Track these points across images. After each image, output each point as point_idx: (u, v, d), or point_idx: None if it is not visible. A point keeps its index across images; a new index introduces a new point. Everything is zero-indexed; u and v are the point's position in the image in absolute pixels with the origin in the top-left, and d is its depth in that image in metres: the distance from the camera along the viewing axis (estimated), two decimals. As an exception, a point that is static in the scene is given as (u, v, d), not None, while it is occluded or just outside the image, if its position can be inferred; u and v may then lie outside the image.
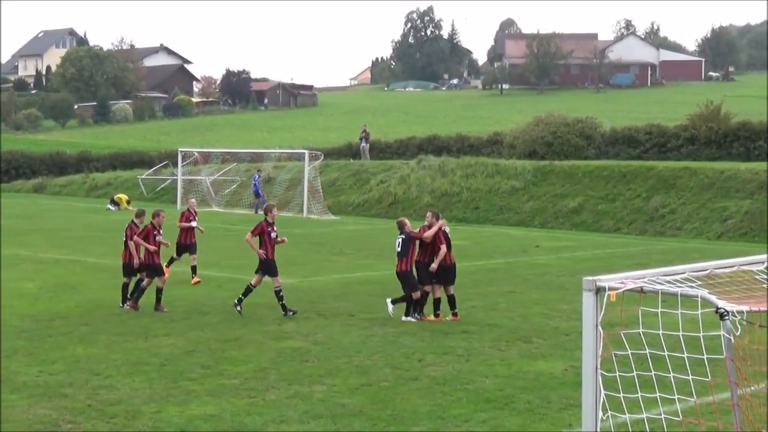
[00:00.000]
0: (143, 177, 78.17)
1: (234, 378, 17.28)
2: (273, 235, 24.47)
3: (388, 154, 76.76)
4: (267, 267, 24.03)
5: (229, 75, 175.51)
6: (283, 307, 23.78)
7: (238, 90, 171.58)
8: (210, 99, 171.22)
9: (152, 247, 24.67)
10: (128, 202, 67.04)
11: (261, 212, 62.08)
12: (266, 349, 19.75)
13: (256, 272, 24.24)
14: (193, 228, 30.29)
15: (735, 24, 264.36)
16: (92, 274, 31.26)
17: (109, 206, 64.31)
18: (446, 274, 23.31)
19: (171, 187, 73.58)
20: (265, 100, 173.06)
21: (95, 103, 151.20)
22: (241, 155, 74.85)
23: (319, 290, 28.24)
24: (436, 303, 23.38)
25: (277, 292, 23.90)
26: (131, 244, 25.00)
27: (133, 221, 25.52)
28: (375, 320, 23.17)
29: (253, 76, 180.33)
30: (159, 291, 24.58)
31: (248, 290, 24.08)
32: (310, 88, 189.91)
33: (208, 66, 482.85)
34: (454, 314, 23.37)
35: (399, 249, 23.35)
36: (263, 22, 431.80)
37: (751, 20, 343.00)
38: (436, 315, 23.36)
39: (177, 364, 18.31)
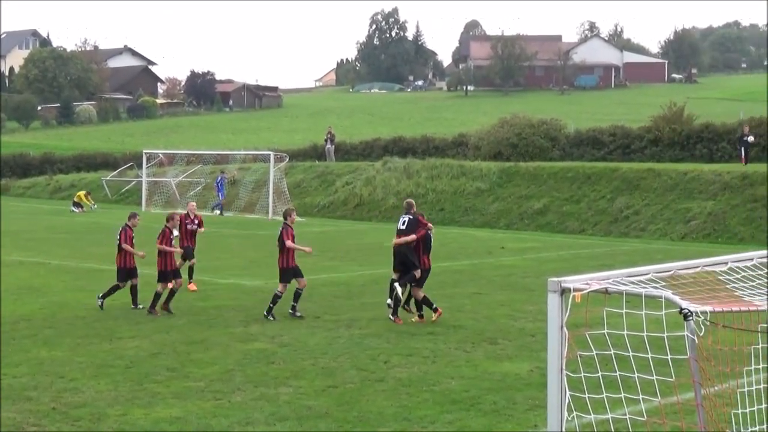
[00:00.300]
0: (107, 179, 77.89)
1: (200, 380, 17.22)
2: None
3: (353, 156, 76.80)
4: (186, 252, 24.45)
5: (193, 76, 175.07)
6: (293, 308, 23.86)
7: (202, 91, 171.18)
8: (175, 100, 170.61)
9: (177, 250, 24.70)
10: (87, 195, 66.91)
11: (218, 212, 62.19)
12: (232, 351, 19.70)
13: (281, 280, 24.14)
14: (194, 231, 29.10)
15: (698, 26, 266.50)
16: (56, 277, 31.11)
17: (73, 208, 64.00)
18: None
19: (135, 189, 73.35)
20: (230, 102, 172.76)
21: (59, 105, 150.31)
22: (206, 157, 74.64)
23: (286, 293, 28.15)
24: (419, 304, 23.48)
25: (298, 293, 23.97)
26: (126, 247, 24.99)
27: (126, 225, 25.58)
28: (341, 322, 23.16)
29: (217, 77, 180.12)
30: (172, 292, 24.54)
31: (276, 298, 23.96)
32: (275, 89, 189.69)
33: (172, 67, 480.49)
34: (420, 316, 23.45)
35: (403, 227, 23.43)
36: (228, 23, 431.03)
37: (713, 22, 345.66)
38: (420, 316, 23.43)
39: (142, 367, 18.23)
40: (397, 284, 23.08)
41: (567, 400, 9.03)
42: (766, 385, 10.83)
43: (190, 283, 28.14)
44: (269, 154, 64.14)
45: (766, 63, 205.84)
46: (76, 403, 15.62)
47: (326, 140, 75.41)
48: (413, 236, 23.28)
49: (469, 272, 33.09)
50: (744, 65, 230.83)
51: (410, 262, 23.25)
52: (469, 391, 16.56)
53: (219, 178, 64.44)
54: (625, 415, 10.59)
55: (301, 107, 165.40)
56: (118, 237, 25.40)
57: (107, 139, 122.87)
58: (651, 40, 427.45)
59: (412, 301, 23.59)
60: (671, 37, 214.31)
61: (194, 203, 32.01)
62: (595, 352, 9.88)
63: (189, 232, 28.57)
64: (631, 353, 9.99)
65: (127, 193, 75.13)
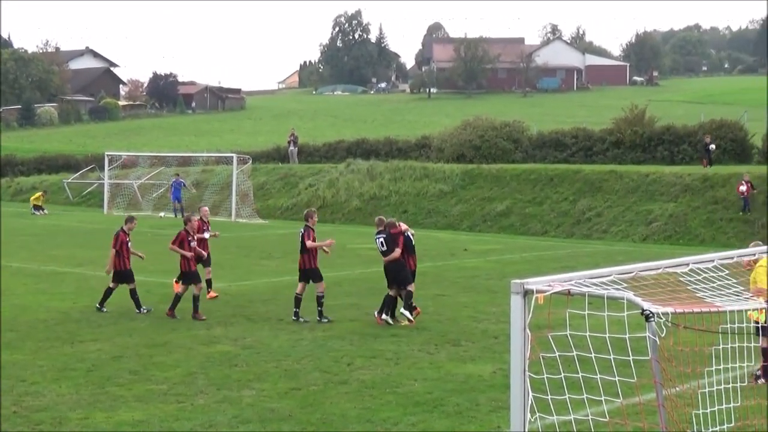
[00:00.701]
0: (69, 181, 77.35)
1: (162, 383, 17.16)
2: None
3: (316, 158, 76.66)
4: (312, 273, 24.05)
5: (156, 78, 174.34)
6: (320, 313, 23.73)
7: (165, 93, 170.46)
8: (137, 102, 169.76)
9: (188, 254, 24.37)
10: (44, 194, 66.56)
11: (179, 216, 61.84)
12: (195, 354, 19.63)
13: (300, 280, 24.14)
14: (206, 239, 27.73)
15: (659, 29, 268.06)
16: (17, 280, 30.86)
17: (34, 211, 63.52)
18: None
19: (97, 191, 72.90)
20: (193, 104, 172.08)
21: (20, 107, 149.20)
22: (168, 159, 74.33)
23: (248, 294, 28.14)
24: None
25: (319, 298, 23.83)
26: (112, 252, 24.90)
27: (122, 228, 25.37)
28: (304, 324, 23.14)
29: (180, 79, 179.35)
30: (196, 299, 24.19)
31: (298, 300, 23.96)
32: (238, 91, 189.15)
33: (134, 69, 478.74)
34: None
35: (384, 248, 23.41)
36: (191, 24, 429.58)
37: (674, 26, 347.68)
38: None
39: (104, 370, 18.14)
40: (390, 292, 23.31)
41: (530, 402, 9.05)
42: (726, 386, 10.90)
43: (209, 292, 27.22)
44: (232, 157, 63.97)
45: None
46: (37, 406, 15.52)
47: (289, 142, 75.19)
48: (398, 251, 23.27)
49: (432, 274, 33.10)
50: (704, 68, 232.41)
51: (403, 277, 23.30)
52: (433, 392, 16.57)
53: (174, 181, 64.06)
54: (588, 416, 10.63)
55: (264, 109, 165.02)
56: (114, 240, 25.20)
57: (69, 141, 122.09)
58: (613, 43, 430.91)
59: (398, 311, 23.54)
60: (633, 40, 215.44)
61: (207, 208, 30.74)
62: (557, 354, 9.90)
63: (201, 239, 27.26)
64: (593, 354, 10.03)
65: (89, 195, 74.66)
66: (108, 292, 25.14)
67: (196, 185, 67.80)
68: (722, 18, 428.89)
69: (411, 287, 23.31)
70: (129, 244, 25.20)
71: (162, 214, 62.92)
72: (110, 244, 25.47)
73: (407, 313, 23.10)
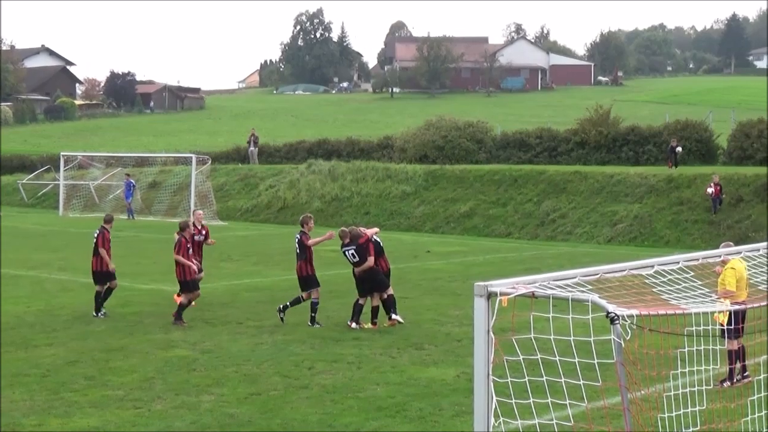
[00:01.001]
0: (24, 182, 76.86)
1: (118, 389, 17.05)
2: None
3: (277, 159, 76.49)
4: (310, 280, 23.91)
5: (113, 77, 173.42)
6: (312, 318, 23.58)
7: (122, 92, 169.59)
8: (94, 101, 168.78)
9: (193, 265, 24.13)
10: None
11: (133, 218, 61.61)
12: (152, 359, 19.53)
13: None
14: (200, 243, 26.91)
15: (623, 29, 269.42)
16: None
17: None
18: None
19: (53, 193, 72.47)
20: (151, 103, 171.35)
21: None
22: (126, 159, 73.95)
23: (207, 297, 27.99)
24: (375, 310, 23.51)
25: (314, 304, 23.68)
26: (102, 252, 24.67)
27: (103, 227, 25.18)
28: (264, 328, 23.06)
29: (138, 78, 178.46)
30: (183, 305, 24.01)
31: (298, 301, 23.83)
32: (197, 91, 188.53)
33: (91, 68, 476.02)
34: (374, 323, 23.51)
35: (356, 259, 23.25)
36: (149, 23, 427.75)
37: (639, 25, 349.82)
38: (373, 323, 23.39)
39: (59, 375, 18.00)
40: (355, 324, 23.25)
41: (494, 406, 9.04)
42: (692, 389, 10.94)
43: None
44: (191, 157, 63.74)
45: None
46: (-11, 413, 15.38)
47: (249, 142, 75.03)
48: (371, 260, 23.22)
49: (394, 276, 32.91)
50: (669, 68, 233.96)
51: (379, 281, 23.31)
52: (395, 397, 16.55)
53: (126, 180, 63.77)
54: (552, 420, 10.65)
55: (224, 109, 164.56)
56: (95, 240, 24.97)
57: (23, 141, 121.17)
58: (577, 42, 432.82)
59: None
60: (597, 40, 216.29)
61: (201, 212, 29.66)
62: (521, 357, 9.90)
63: (196, 244, 26.33)
64: (558, 358, 10.03)
65: (44, 196, 74.21)
66: (97, 296, 24.89)
67: (153, 186, 67.55)
68: (687, 18, 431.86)
69: (390, 290, 23.34)
70: (110, 243, 24.93)
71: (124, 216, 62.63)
72: (92, 245, 25.13)
73: (399, 317, 23.18)
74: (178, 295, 24.59)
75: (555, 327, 9.46)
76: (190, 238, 24.77)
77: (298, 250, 23.71)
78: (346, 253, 23.45)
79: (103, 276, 24.96)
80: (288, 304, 23.73)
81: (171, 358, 19.63)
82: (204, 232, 27.17)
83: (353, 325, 23.16)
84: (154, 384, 17.41)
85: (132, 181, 63.78)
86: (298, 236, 23.81)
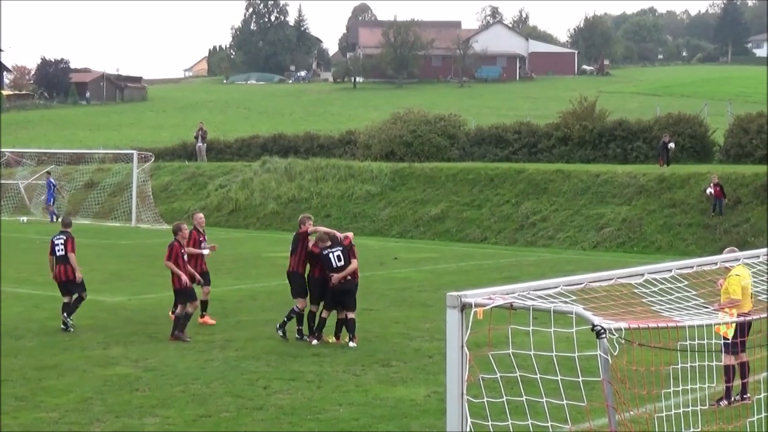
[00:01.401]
0: (-56, 181, 76.38)
1: (53, 410, 17.01)
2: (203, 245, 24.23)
3: (227, 155, 76.41)
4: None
5: (45, 64, 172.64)
6: (284, 324, 23.55)
7: (55, 82, 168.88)
8: (23, 92, 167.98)
9: (183, 275, 23.66)
10: None
11: (57, 220, 61.28)
12: (90, 377, 19.48)
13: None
14: (204, 255, 26.05)
15: (610, 13, 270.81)
16: None
17: None
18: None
19: (-22, 193, 72.08)
20: (87, 94, 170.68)
21: None
22: (60, 156, 73.65)
23: (151, 309, 27.96)
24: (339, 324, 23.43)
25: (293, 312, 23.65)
26: (72, 257, 24.39)
27: (68, 232, 24.93)
28: (214, 343, 23.04)
29: (72, 65, 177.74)
30: (186, 317, 23.74)
31: (300, 317, 23.61)
32: (138, 80, 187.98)
33: (20, 54, 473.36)
34: (337, 337, 23.48)
35: (341, 263, 22.99)
36: (85, 4, 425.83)
37: (627, 9, 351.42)
38: (337, 337, 23.37)
39: (-14, 396, 17.94)
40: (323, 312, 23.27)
41: (468, 429, 9.10)
42: (686, 409, 11.04)
43: (203, 316, 25.70)
44: (132, 153, 63.59)
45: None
46: None
47: (197, 137, 74.91)
48: (355, 263, 23.27)
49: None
50: (661, 56, 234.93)
51: (354, 301, 23.27)
52: (359, 419, 16.59)
53: (47, 180, 63.53)
54: (533, 444, 10.71)
55: (169, 100, 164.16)
56: (63, 246, 24.67)
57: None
58: (559, 28, 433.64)
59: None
60: (581, 25, 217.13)
61: (202, 215, 28.14)
62: (499, 375, 9.96)
63: (198, 254, 25.56)
64: (538, 375, 10.10)
65: (-31, 197, 73.78)
66: (65, 308, 24.55)
67: (90, 186, 67.30)
68: (680, 1, 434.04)
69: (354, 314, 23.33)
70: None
71: (23, 218, 62.38)
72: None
73: (354, 343, 22.94)
74: (173, 312, 24.38)
75: (535, 341, 9.53)
76: (187, 243, 24.43)
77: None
78: (331, 255, 23.02)
79: (71, 285, 24.79)
80: (298, 327, 23.58)
81: (111, 376, 19.58)
82: (202, 239, 26.06)
83: (314, 341, 23.15)
84: (93, 405, 17.38)
85: (53, 180, 63.52)
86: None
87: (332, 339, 23.30)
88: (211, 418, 16.66)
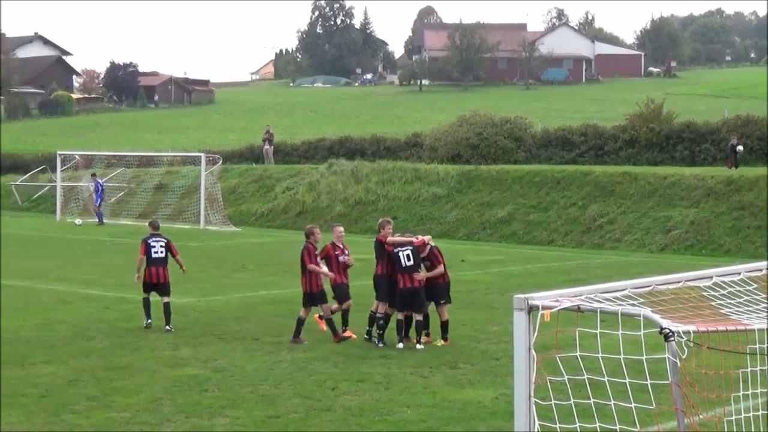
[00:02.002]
0: (17, 183, 77.31)
1: (124, 410, 17.17)
2: (342, 258, 24.02)
3: (294, 158, 76.70)
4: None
5: (114, 68, 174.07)
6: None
7: (124, 85, 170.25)
8: (92, 95, 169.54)
9: (330, 274, 23.81)
10: None
11: (104, 222, 61.70)
12: (160, 378, 19.63)
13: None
14: (346, 265, 24.53)
15: (677, 15, 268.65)
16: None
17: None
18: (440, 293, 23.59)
19: (49, 195, 72.91)
20: (155, 97, 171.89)
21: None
22: (128, 159, 74.26)
23: (219, 311, 28.14)
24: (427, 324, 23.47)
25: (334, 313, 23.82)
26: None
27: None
28: (282, 344, 23.14)
29: (141, 69, 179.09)
30: (345, 313, 24.08)
31: (372, 319, 23.61)
32: (206, 83, 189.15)
33: (90, 58, 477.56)
34: (427, 334, 23.52)
35: (411, 263, 23.01)
36: (153, 8, 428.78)
37: (694, 10, 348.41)
38: (427, 334, 23.41)
39: (58, 396, 18.13)
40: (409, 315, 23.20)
41: (536, 431, 9.11)
42: (756, 413, 10.97)
43: (345, 330, 24.40)
44: (200, 156, 63.98)
45: None
46: (-16, 437, 15.55)
47: (264, 140, 75.28)
48: (441, 267, 23.51)
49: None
50: (728, 58, 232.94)
51: (423, 301, 23.23)
52: (427, 421, 16.62)
53: (94, 182, 64.02)
54: (600, 446, 10.70)
55: (236, 103, 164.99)
56: (301, 257, 24.16)
57: (16, 139, 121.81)
58: (626, 29, 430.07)
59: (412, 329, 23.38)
60: (648, 27, 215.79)
61: (342, 228, 26.13)
62: (566, 377, 9.96)
63: (342, 266, 24.39)
64: (606, 378, 10.08)
65: (40, 199, 74.64)
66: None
67: (159, 188, 67.83)
68: (747, 2, 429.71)
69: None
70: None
71: (78, 221, 62.94)
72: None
73: (422, 346, 22.93)
74: (320, 317, 24.27)
75: (603, 344, 9.53)
76: (330, 259, 24.14)
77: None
78: (401, 254, 23.03)
79: (164, 288, 25.30)
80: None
81: (180, 377, 19.74)
82: (347, 252, 24.68)
83: (400, 345, 22.95)
84: (163, 405, 17.53)
85: (100, 181, 64.06)
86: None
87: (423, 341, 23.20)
88: (280, 419, 16.74)
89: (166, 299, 25.13)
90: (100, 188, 63.46)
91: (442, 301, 23.53)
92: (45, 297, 30.04)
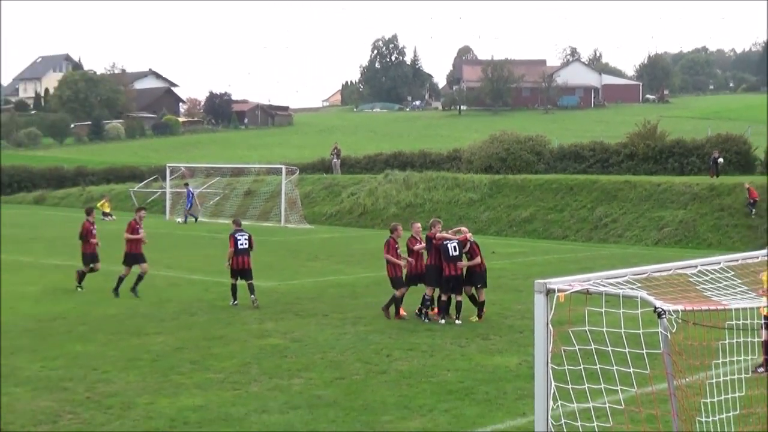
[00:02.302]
0: (135, 190, 77.94)
1: (219, 372, 17.26)
2: (416, 247, 23.95)
3: (357, 169, 76.73)
4: (414, 278, 23.79)
5: (212, 97, 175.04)
6: (424, 312, 23.37)
7: (220, 111, 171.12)
8: (195, 119, 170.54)
9: (401, 261, 23.77)
10: (108, 200, 67.01)
11: (187, 222, 61.66)
12: (249, 346, 19.72)
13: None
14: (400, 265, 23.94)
15: (669, 51, 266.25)
16: (88, 278, 31.03)
17: (103, 217, 63.98)
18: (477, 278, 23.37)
19: (160, 199, 73.37)
20: (245, 120, 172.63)
21: (90, 123, 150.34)
22: (223, 170, 74.71)
23: (296, 292, 28.23)
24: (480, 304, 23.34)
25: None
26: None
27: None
28: (347, 319, 23.18)
29: (234, 98, 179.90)
30: (399, 300, 23.72)
31: (395, 300, 23.55)
32: (286, 109, 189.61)
33: (193, 89, 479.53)
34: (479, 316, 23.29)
35: (456, 253, 22.86)
36: (244, 48, 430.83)
37: (683, 48, 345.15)
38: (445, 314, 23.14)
39: (168, 360, 18.26)
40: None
41: (552, 391, 9.08)
42: (732, 377, 10.88)
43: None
44: (281, 168, 64.18)
45: None
46: (107, 393, 15.67)
47: (333, 155, 75.43)
48: (478, 258, 23.24)
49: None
50: (711, 87, 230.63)
51: (460, 284, 23.01)
52: (464, 382, 16.59)
53: (187, 189, 64.36)
54: (605, 403, 10.65)
55: (310, 125, 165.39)
56: (247, 242, 25.17)
57: (134, 154, 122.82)
58: (627, 63, 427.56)
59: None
60: (645, 61, 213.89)
61: (419, 224, 25.12)
62: (577, 347, 9.92)
63: (416, 253, 23.95)
64: (610, 348, 10.03)
65: (153, 202, 75.09)
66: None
67: (248, 194, 68.13)
68: (728, 41, 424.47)
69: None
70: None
71: (179, 219, 63.33)
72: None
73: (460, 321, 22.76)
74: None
75: (607, 320, 9.46)
76: (398, 240, 23.98)
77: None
78: (449, 245, 22.81)
79: (247, 273, 25.18)
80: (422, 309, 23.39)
81: (265, 345, 19.81)
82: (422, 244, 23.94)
83: (441, 320, 22.80)
84: (251, 369, 17.60)
85: (192, 189, 64.60)
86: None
87: (475, 318, 23.07)
88: (345, 380, 16.77)
89: (250, 281, 25.21)
90: (191, 195, 63.80)
91: (479, 285, 23.43)
92: (157, 281, 30.25)
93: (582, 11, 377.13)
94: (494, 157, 65.62)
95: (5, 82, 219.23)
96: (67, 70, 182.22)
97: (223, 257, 27.21)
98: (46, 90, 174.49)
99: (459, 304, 22.94)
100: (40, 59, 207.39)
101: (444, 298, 23.19)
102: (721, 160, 54.85)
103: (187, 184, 66.16)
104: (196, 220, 62.59)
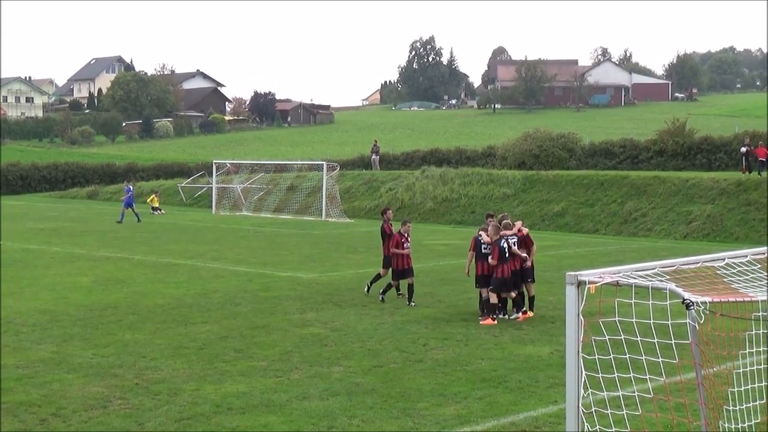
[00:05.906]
0: (183, 185, 78.35)
1: (262, 360, 17.27)
2: (406, 245, 24.06)
3: (395, 165, 76.85)
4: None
5: (257, 96, 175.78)
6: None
7: (264, 109, 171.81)
8: (240, 117, 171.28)
9: (405, 251, 24.08)
10: (157, 195, 67.15)
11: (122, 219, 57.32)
12: (290, 335, 19.72)
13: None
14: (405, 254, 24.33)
15: (698, 51, 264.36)
16: (139, 270, 31.26)
17: (152, 211, 64.38)
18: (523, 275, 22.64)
19: (207, 194, 73.75)
20: (288, 119, 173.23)
21: (140, 121, 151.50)
22: (267, 166, 74.96)
23: (336, 283, 28.22)
24: (523, 301, 22.47)
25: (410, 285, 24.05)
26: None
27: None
28: (385, 310, 23.15)
29: (278, 97, 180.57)
30: (410, 288, 24.05)
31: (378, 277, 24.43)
32: (327, 107, 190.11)
33: (238, 88, 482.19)
34: (524, 312, 22.32)
35: (516, 248, 22.25)
36: (287, 49, 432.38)
37: (711, 48, 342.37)
38: (524, 312, 22.27)
39: (213, 348, 18.30)
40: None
41: (583, 379, 9.00)
42: (758, 367, 10.75)
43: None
44: (322, 164, 64.27)
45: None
46: (155, 379, 15.72)
47: (372, 152, 75.46)
48: (534, 248, 22.99)
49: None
50: (738, 85, 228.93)
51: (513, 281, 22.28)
52: (498, 370, 16.51)
53: (127, 187, 62.26)
54: (634, 392, 10.56)
55: (350, 123, 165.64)
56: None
57: (182, 151, 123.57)
58: (656, 63, 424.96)
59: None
60: (674, 61, 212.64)
61: (410, 224, 25.59)
62: (607, 337, 9.83)
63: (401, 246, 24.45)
64: (639, 338, 9.93)
65: (200, 197, 75.52)
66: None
67: (291, 189, 68.27)
68: (755, 40, 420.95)
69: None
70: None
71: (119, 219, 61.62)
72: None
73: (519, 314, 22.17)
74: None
75: (637, 311, 9.36)
76: (408, 235, 24.18)
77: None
78: (507, 241, 22.02)
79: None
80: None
81: (306, 334, 19.80)
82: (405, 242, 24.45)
83: (517, 316, 22.04)
84: (292, 357, 17.59)
85: (130, 187, 60.77)
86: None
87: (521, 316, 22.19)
88: (382, 368, 16.73)
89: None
90: (129, 191, 57.23)
91: (529, 280, 22.83)
92: (203, 272, 30.35)
93: (613, 12, 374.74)
94: (527, 154, 65.45)
95: (60, 83, 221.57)
96: (119, 71, 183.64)
97: (266, 249, 27.25)
98: (99, 90, 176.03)
99: (518, 299, 22.30)
100: (93, 61, 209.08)
101: (514, 295, 22.25)
102: (744, 149, 54.29)
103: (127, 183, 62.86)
104: (138, 219, 58.24)
